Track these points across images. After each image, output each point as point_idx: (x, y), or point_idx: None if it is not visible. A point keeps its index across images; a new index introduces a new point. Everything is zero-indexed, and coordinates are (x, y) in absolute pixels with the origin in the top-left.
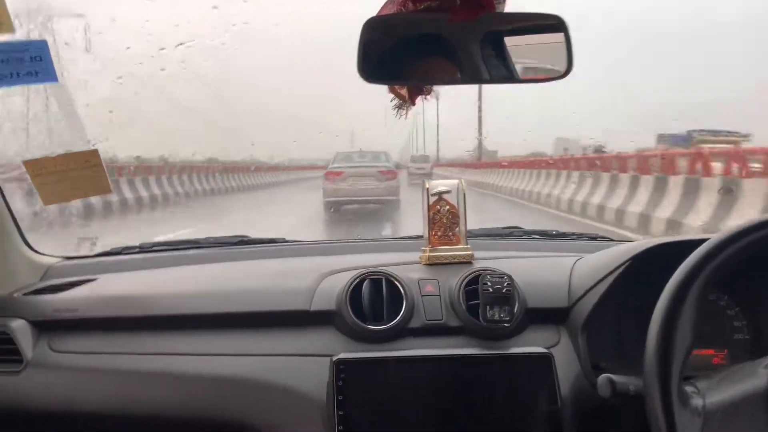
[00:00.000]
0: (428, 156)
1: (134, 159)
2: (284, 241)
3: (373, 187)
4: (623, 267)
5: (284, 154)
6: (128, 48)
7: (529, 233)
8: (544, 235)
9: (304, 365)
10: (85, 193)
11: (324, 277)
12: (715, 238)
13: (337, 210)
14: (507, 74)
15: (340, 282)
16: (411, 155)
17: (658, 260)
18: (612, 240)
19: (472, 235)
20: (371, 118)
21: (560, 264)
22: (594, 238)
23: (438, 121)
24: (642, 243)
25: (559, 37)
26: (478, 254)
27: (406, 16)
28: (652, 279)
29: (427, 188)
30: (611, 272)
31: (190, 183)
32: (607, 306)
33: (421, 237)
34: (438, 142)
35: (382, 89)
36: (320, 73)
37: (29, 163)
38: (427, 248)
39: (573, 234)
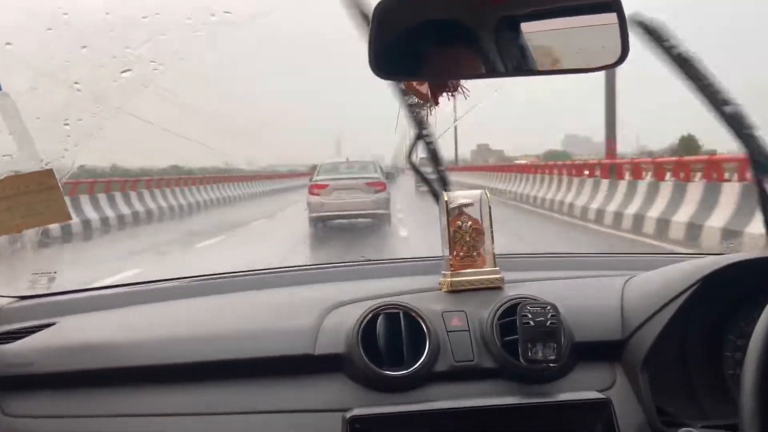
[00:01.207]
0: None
1: (109, 169)
2: (277, 266)
3: (360, 201)
4: (691, 290)
5: (265, 159)
6: (84, 47)
7: (562, 253)
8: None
9: (311, 423)
10: (41, 222)
11: (329, 312)
12: None
13: (324, 226)
14: (551, 63)
15: (349, 318)
16: (420, 157)
17: (731, 281)
18: (658, 253)
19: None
20: (360, 117)
21: (607, 286)
22: (636, 253)
23: (455, 114)
24: (711, 261)
25: (612, 17)
26: (506, 275)
27: None
28: (724, 302)
29: (446, 201)
30: (676, 297)
31: (168, 197)
32: (671, 337)
33: (438, 258)
34: (456, 140)
35: (374, 84)
36: (305, 69)
37: None
38: (449, 272)
39: (611, 252)
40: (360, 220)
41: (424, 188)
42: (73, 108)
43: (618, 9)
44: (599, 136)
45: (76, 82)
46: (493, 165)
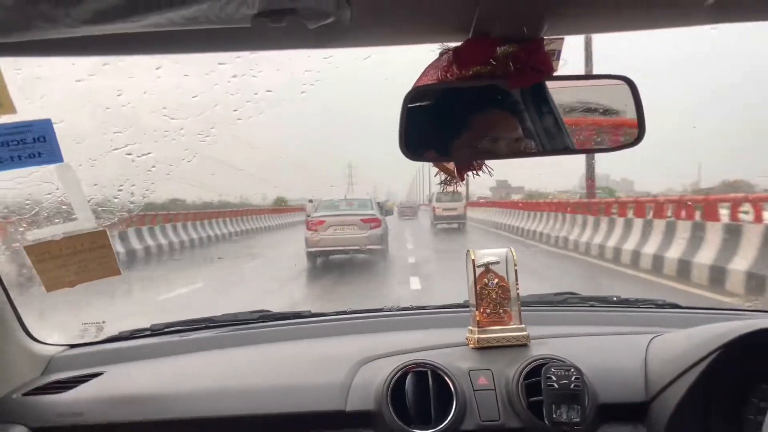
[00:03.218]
0: (460, 193)
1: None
2: (310, 315)
3: (355, 236)
4: (714, 355)
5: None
6: (131, 127)
7: (586, 300)
8: (604, 302)
9: None
10: (92, 277)
11: (360, 367)
12: None
13: (323, 262)
14: (568, 144)
15: (379, 374)
16: (437, 192)
17: (754, 346)
18: (683, 308)
19: (521, 303)
20: (371, 154)
21: (632, 344)
22: (662, 306)
23: None
24: (735, 327)
25: (629, 99)
26: (532, 330)
27: (452, 83)
28: (747, 365)
29: (473, 259)
30: (699, 361)
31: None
32: (695, 399)
33: (464, 307)
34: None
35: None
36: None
37: (31, 249)
38: (476, 329)
39: (637, 301)
40: (358, 255)
41: (442, 225)
42: (127, 175)
43: (634, 91)
44: (618, 172)
45: (128, 153)
46: (521, 201)
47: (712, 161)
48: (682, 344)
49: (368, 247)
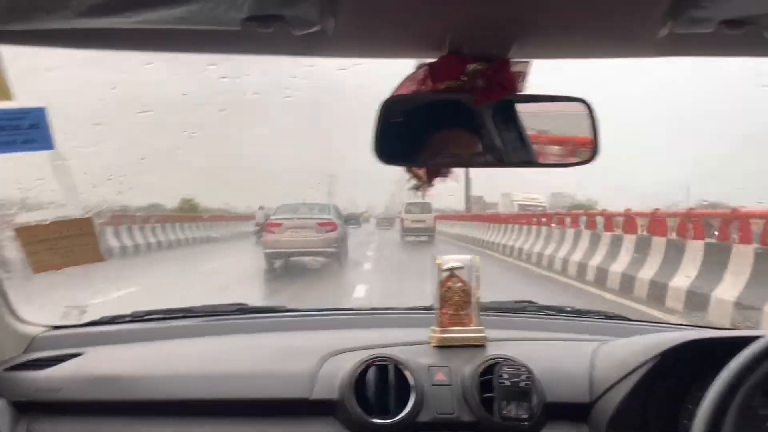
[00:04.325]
0: (429, 204)
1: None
2: (285, 310)
3: (310, 239)
4: (652, 363)
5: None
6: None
7: (542, 308)
8: (559, 311)
9: None
10: (77, 262)
11: (326, 359)
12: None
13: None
14: (528, 158)
15: (344, 366)
16: (406, 203)
17: (690, 355)
18: (630, 320)
19: (483, 308)
20: (354, 165)
21: (579, 350)
22: (611, 317)
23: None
24: (672, 337)
25: (586, 120)
26: (490, 333)
27: (425, 96)
28: (683, 373)
29: (438, 263)
30: (638, 367)
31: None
32: (634, 402)
33: (429, 309)
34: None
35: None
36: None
37: (21, 231)
38: (438, 329)
39: (589, 312)
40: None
41: (410, 238)
42: (117, 164)
43: (590, 113)
44: (582, 192)
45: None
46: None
47: (697, 182)
48: (623, 351)
49: (323, 249)
